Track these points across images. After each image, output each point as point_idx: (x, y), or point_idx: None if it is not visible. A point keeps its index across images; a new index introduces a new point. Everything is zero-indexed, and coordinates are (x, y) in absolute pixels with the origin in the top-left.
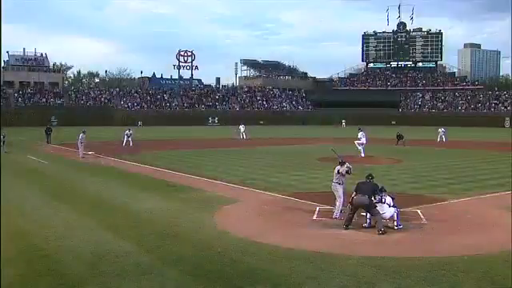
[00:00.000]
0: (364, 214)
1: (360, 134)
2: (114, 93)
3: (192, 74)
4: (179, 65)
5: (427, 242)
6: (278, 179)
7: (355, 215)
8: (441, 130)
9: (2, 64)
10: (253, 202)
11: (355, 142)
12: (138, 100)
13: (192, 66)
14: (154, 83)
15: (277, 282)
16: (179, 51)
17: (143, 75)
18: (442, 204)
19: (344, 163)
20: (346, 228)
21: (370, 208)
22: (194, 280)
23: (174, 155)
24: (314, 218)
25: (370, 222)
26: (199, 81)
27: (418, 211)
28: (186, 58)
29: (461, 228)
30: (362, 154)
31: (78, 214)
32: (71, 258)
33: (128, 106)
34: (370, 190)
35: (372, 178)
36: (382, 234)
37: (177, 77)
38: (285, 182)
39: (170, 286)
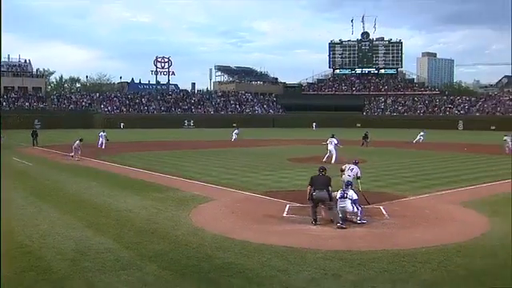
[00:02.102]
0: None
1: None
2: (95, 97)
3: (169, 79)
4: (156, 70)
5: (389, 236)
6: (251, 178)
7: (319, 211)
8: (421, 132)
9: None
10: (227, 200)
11: (329, 147)
12: (118, 104)
13: (169, 72)
14: (132, 88)
15: (249, 275)
16: (157, 57)
17: (122, 80)
18: (402, 201)
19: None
20: (315, 224)
21: (330, 202)
22: (172, 274)
23: (152, 156)
24: (284, 214)
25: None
26: (176, 86)
27: (381, 207)
28: (163, 64)
29: (419, 222)
30: (333, 160)
31: (60, 212)
32: (54, 254)
33: (108, 110)
34: (326, 183)
35: (324, 170)
36: (340, 228)
37: (154, 82)
38: (257, 181)
39: (149, 280)
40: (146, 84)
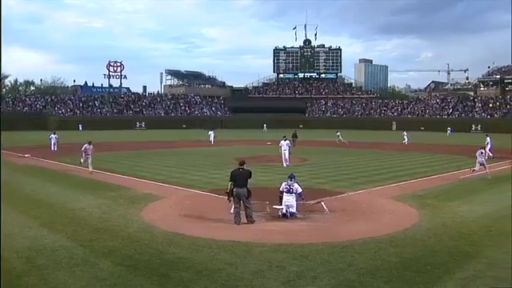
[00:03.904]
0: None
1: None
2: (49, 100)
3: (121, 83)
4: (109, 74)
5: (329, 229)
6: (199, 177)
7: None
8: (404, 133)
9: None
10: (176, 198)
11: (283, 149)
12: (72, 106)
13: (121, 76)
14: (85, 91)
15: (199, 268)
16: (109, 62)
17: (76, 83)
18: (341, 196)
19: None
20: (239, 223)
21: (248, 198)
22: (125, 270)
23: (105, 157)
24: (231, 211)
25: (291, 211)
26: (127, 89)
27: (322, 203)
28: (115, 68)
29: (357, 216)
30: (286, 164)
31: (16, 212)
32: (9, 252)
33: (62, 112)
34: (246, 178)
35: (244, 164)
36: (252, 222)
37: (107, 85)
38: (205, 180)
39: (102, 276)
40: (98, 87)
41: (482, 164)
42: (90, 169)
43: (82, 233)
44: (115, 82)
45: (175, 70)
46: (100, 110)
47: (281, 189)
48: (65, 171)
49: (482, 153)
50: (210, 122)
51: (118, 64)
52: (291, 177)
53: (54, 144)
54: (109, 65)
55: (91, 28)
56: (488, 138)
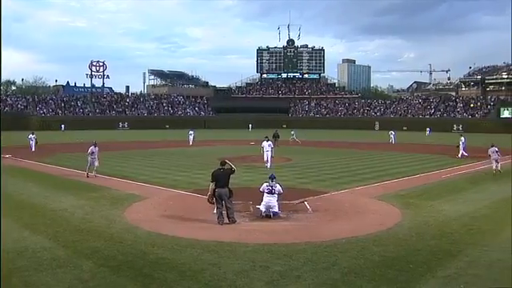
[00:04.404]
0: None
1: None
2: (30, 100)
3: (103, 83)
4: (91, 74)
5: (313, 228)
6: (182, 177)
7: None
8: (391, 132)
9: None
10: (160, 198)
11: (265, 150)
12: (53, 106)
13: (104, 75)
14: (67, 91)
15: (182, 269)
16: (92, 61)
17: (58, 83)
18: (325, 196)
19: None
20: (222, 224)
21: (229, 198)
22: (108, 271)
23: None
24: (214, 211)
25: (268, 212)
26: (110, 89)
27: (305, 203)
28: (98, 68)
29: (340, 216)
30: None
31: None
32: None
33: (44, 112)
34: (227, 178)
35: (225, 164)
36: (233, 222)
37: (89, 85)
38: (188, 180)
39: (85, 277)
40: (81, 87)
41: (496, 161)
42: (94, 173)
43: (64, 234)
44: (98, 82)
45: (158, 69)
46: (82, 109)
47: (261, 189)
48: (47, 172)
49: (496, 151)
50: (193, 122)
51: (101, 64)
52: (272, 177)
53: (33, 145)
54: (91, 64)
55: (74, 27)
56: (462, 138)
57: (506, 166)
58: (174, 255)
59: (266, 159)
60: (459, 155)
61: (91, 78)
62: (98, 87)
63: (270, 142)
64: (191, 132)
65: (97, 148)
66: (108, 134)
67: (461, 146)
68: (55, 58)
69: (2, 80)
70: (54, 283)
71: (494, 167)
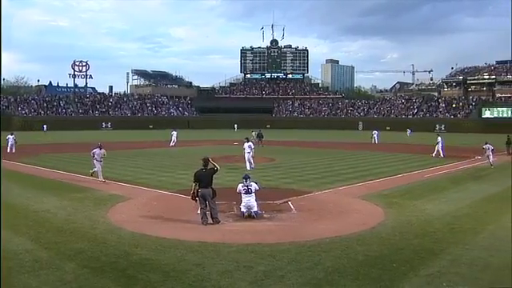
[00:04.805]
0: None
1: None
2: (12, 100)
3: (86, 83)
4: (74, 74)
5: (296, 228)
6: (166, 178)
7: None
8: (374, 132)
9: None
10: (143, 199)
11: (246, 151)
12: (36, 106)
13: (86, 75)
14: (50, 91)
15: (166, 269)
16: (74, 61)
17: (40, 83)
18: (308, 196)
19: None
20: (206, 224)
21: (213, 198)
22: (91, 272)
23: (70, 157)
24: (198, 212)
25: (246, 212)
26: (93, 89)
27: (289, 203)
28: (80, 68)
29: (324, 215)
30: (249, 167)
31: None
32: None
33: (26, 113)
34: (210, 178)
35: (207, 164)
36: (217, 223)
37: (72, 85)
38: (172, 180)
39: (68, 278)
40: (63, 87)
41: (488, 156)
42: (101, 178)
43: (46, 235)
44: (81, 82)
45: (142, 69)
46: (65, 110)
47: (238, 190)
48: (29, 172)
49: (492, 149)
50: (176, 122)
51: (84, 63)
52: (246, 177)
53: (12, 145)
54: (74, 64)
55: (56, 26)
56: (439, 138)
57: (485, 165)
58: (157, 256)
59: (246, 160)
60: (434, 154)
61: (74, 77)
62: (81, 87)
63: (250, 143)
64: (174, 132)
65: (102, 150)
66: (91, 135)
67: (438, 146)
68: (37, 57)
69: None
70: (37, 285)
71: (491, 161)
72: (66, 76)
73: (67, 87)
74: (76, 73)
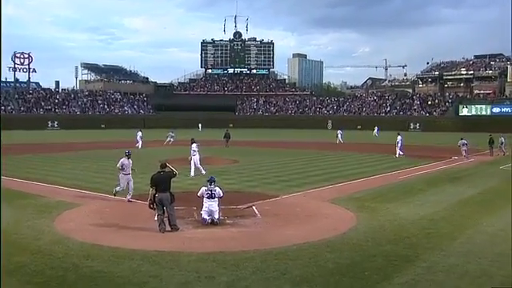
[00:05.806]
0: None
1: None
2: None
3: (29, 77)
4: (15, 67)
5: (261, 235)
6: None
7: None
8: (338, 132)
9: None
10: (95, 205)
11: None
12: None
13: (29, 69)
14: None
15: (120, 282)
16: (15, 53)
17: None
18: (274, 200)
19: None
20: (163, 232)
21: (171, 203)
22: None
23: (10, 160)
24: (155, 218)
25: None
26: (37, 84)
27: (254, 207)
28: (22, 61)
29: (291, 220)
30: (194, 174)
31: None
32: None
33: None
34: (168, 182)
35: (166, 167)
36: (176, 230)
37: (12, 79)
38: None
39: None
40: (2, 82)
41: (464, 151)
42: (129, 197)
43: None
44: (22, 76)
45: (92, 63)
46: (5, 107)
47: (199, 194)
48: None
49: (465, 144)
50: (131, 120)
51: (26, 55)
52: (211, 181)
53: None
54: (14, 56)
55: None
56: (399, 137)
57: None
58: (110, 267)
59: (192, 165)
60: (396, 155)
61: (14, 71)
62: (23, 82)
63: (194, 144)
64: (139, 133)
65: (130, 160)
66: (35, 135)
67: (397, 145)
68: None
69: None
70: None
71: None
72: (6, 69)
73: (6, 81)
74: (17, 66)
